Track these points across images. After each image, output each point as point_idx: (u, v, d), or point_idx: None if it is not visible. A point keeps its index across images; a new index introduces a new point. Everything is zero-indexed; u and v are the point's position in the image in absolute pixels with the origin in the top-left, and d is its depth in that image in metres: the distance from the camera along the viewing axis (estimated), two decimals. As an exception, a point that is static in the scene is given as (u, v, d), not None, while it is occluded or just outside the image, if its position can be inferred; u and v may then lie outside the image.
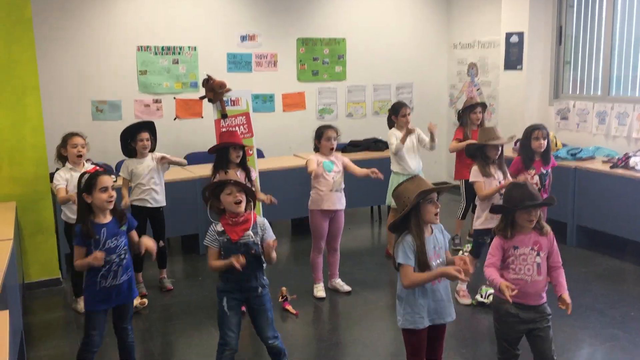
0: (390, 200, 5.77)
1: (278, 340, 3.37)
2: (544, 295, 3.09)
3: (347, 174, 4.89)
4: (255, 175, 4.71)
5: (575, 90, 6.96)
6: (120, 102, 6.65)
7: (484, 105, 5.89)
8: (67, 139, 4.57)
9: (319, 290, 4.88)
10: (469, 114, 5.78)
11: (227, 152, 4.52)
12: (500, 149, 4.54)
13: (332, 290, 4.98)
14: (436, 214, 2.91)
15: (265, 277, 3.38)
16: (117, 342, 3.51)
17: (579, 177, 5.85)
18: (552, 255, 3.11)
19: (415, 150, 5.55)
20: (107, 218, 3.32)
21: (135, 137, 4.81)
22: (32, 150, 5.07)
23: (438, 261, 2.94)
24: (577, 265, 5.43)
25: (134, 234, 3.45)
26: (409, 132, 5.37)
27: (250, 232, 3.25)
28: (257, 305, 3.33)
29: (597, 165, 5.86)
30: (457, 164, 5.96)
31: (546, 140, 4.78)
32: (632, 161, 5.56)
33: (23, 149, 5.03)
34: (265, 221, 3.37)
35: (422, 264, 2.89)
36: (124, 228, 3.37)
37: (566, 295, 3.04)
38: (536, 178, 4.80)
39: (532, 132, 4.78)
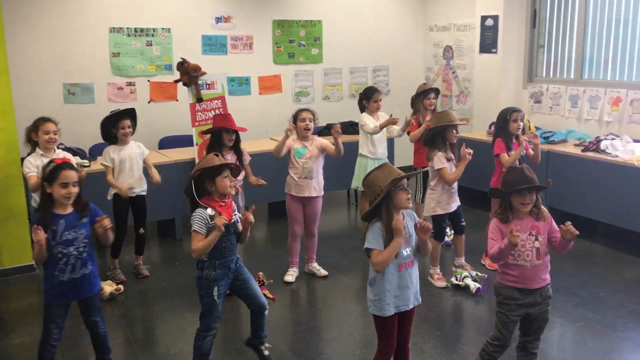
0: (356, 184, 5.84)
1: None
2: (547, 276, 3.12)
3: (327, 157, 4.89)
4: (248, 158, 4.74)
5: (549, 74, 7.04)
6: (93, 84, 6.53)
7: (437, 91, 5.89)
8: (38, 124, 4.46)
9: (288, 275, 4.91)
10: (422, 100, 5.73)
11: (220, 135, 4.52)
12: (457, 131, 4.63)
13: (308, 275, 5.01)
14: (408, 199, 2.93)
15: None
16: (89, 335, 3.45)
17: (551, 160, 5.94)
18: (555, 232, 3.10)
19: (384, 136, 5.64)
20: (68, 209, 3.19)
21: (117, 125, 4.74)
22: (3, 135, 4.97)
23: (408, 249, 2.96)
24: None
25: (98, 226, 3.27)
26: (391, 122, 5.42)
27: (236, 212, 3.39)
28: (242, 275, 3.44)
29: (569, 148, 5.95)
30: (416, 152, 5.90)
31: (522, 122, 4.87)
32: (602, 144, 5.67)
33: (-7, 133, 4.94)
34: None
35: None
36: (85, 220, 3.23)
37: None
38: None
39: (511, 114, 4.84)
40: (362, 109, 5.65)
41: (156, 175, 4.85)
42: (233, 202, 3.43)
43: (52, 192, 3.14)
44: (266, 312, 3.54)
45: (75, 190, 3.17)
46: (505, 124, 4.86)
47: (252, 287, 3.47)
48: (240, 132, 4.78)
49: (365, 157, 5.60)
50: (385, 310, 2.96)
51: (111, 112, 4.86)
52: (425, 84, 6.10)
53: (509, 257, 3.08)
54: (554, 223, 3.14)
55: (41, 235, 3.04)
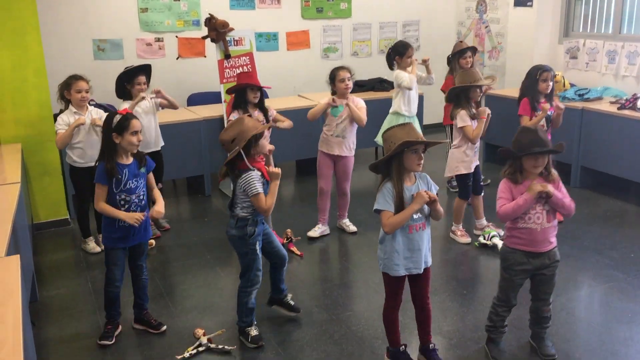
0: (379, 139, 5.75)
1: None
2: (554, 240, 3.11)
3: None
4: (274, 113, 4.75)
5: (586, 28, 6.80)
6: (122, 40, 6.54)
7: (474, 50, 5.76)
8: (70, 82, 4.51)
9: (313, 230, 4.96)
10: (459, 59, 5.65)
11: (244, 93, 4.52)
12: (481, 90, 4.56)
13: (336, 232, 5.06)
14: (419, 164, 2.90)
15: None
16: (132, 279, 3.63)
17: (586, 118, 5.80)
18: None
19: (417, 93, 5.49)
20: (129, 159, 3.41)
21: (133, 81, 4.77)
22: (35, 92, 5.04)
23: (418, 213, 2.94)
24: (579, 207, 5.38)
25: (151, 176, 3.54)
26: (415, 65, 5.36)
27: None
28: (267, 229, 3.53)
29: (604, 106, 5.79)
30: (446, 110, 5.83)
31: (552, 82, 4.74)
32: (639, 102, 5.50)
33: (26, 90, 5.00)
34: None
35: (400, 211, 2.90)
36: (144, 170, 3.46)
37: (549, 188, 2.95)
38: (543, 120, 4.78)
39: (541, 73, 4.71)
40: (391, 65, 5.50)
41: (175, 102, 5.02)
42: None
43: (122, 141, 3.32)
44: (285, 266, 3.66)
45: (141, 137, 3.42)
46: (534, 84, 4.75)
47: (275, 241, 3.60)
48: (267, 90, 4.75)
49: (400, 115, 5.41)
50: (394, 269, 2.99)
51: (126, 68, 4.88)
52: (461, 42, 5.95)
53: (518, 220, 3.04)
54: (562, 186, 3.09)
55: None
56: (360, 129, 4.90)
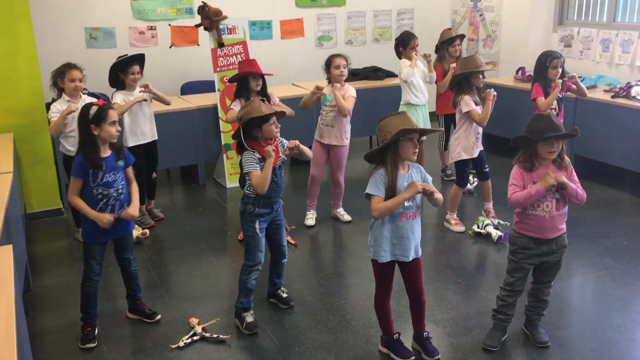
0: None
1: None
2: (563, 226, 3.10)
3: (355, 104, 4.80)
4: (276, 100, 4.71)
5: (581, 16, 6.79)
6: (114, 29, 6.48)
7: (462, 37, 5.77)
8: (64, 70, 4.45)
9: (307, 219, 4.96)
10: (448, 47, 5.64)
11: (246, 81, 4.49)
12: (484, 76, 4.58)
13: (331, 221, 5.06)
14: (414, 153, 2.90)
15: None
16: (121, 272, 3.61)
17: (580, 107, 5.80)
18: (574, 183, 3.05)
19: (423, 82, 5.46)
20: (107, 152, 3.32)
21: (126, 70, 4.71)
22: (27, 80, 4.99)
23: (410, 201, 2.94)
24: (573, 195, 5.47)
25: (130, 170, 3.46)
26: (416, 58, 5.33)
27: (282, 154, 3.45)
28: (278, 221, 3.57)
29: (599, 94, 5.79)
30: (438, 100, 5.85)
31: (561, 69, 4.75)
32: (633, 91, 5.50)
33: (17, 79, 4.96)
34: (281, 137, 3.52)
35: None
36: (122, 163, 3.38)
37: (562, 178, 2.93)
38: (555, 103, 4.80)
39: (550, 60, 4.74)
40: (399, 56, 5.49)
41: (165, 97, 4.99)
42: (279, 143, 3.45)
43: (101, 132, 3.23)
44: (284, 261, 3.69)
45: (119, 127, 3.36)
46: (544, 70, 4.77)
47: (281, 234, 3.62)
48: (265, 77, 4.71)
49: (412, 105, 5.37)
50: (380, 255, 3.00)
51: (119, 57, 4.82)
52: (450, 29, 5.93)
53: (528, 207, 3.03)
54: (574, 174, 3.09)
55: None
56: (355, 118, 4.88)
